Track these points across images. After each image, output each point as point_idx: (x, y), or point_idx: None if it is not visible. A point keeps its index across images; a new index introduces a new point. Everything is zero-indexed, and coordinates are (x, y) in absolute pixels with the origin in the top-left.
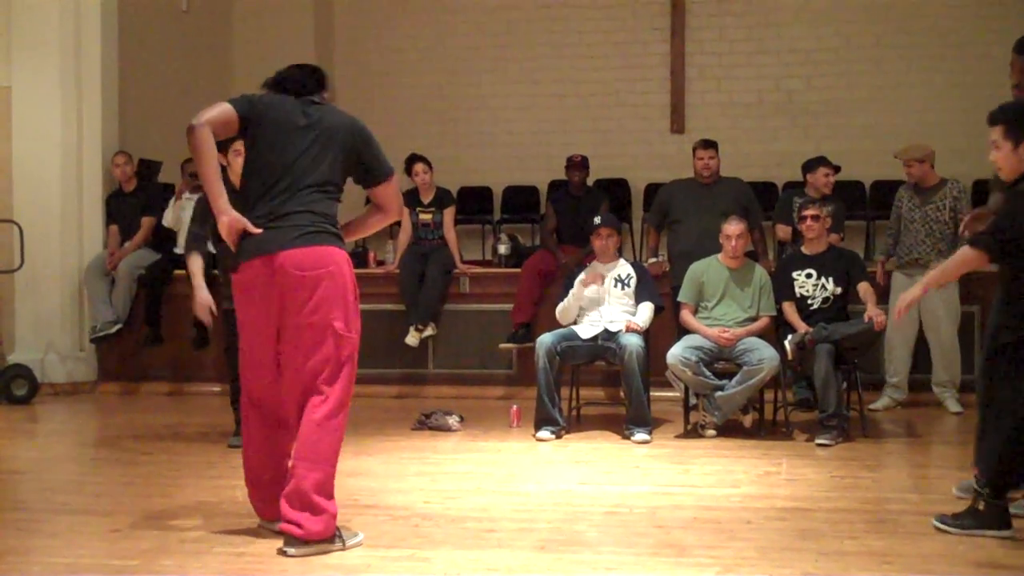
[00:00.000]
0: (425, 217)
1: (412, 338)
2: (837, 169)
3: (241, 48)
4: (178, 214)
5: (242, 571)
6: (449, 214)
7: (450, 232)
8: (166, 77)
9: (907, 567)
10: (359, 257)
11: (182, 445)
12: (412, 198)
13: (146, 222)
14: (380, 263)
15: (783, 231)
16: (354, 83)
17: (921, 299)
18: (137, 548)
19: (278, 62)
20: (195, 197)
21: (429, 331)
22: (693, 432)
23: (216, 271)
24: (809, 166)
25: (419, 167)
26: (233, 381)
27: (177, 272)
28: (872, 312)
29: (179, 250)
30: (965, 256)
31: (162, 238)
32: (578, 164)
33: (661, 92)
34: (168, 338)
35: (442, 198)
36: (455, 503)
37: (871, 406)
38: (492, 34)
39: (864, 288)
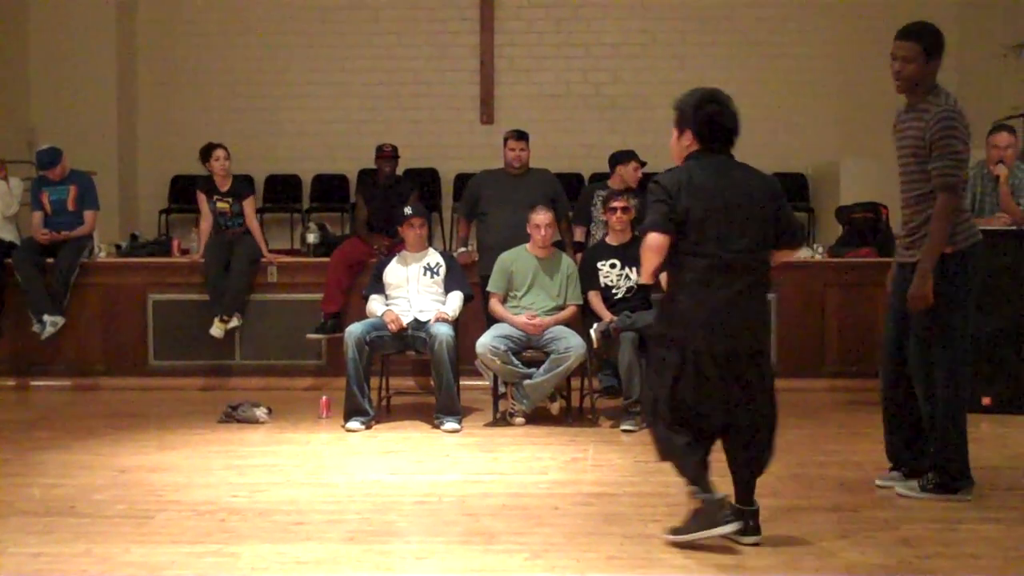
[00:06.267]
0: (222, 206)
1: (217, 329)
2: (644, 164)
3: (38, 33)
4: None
5: (39, 572)
6: (249, 204)
7: (252, 221)
8: None
9: (707, 547)
10: (162, 245)
11: None
12: (209, 185)
13: None
14: (184, 252)
15: (579, 232)
16: (160, 68)
17: None
18: None
19: (78, 47)
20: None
21: (235, 322)
22: (502, 420)
23: None
24: (620, 158)
25: (218, 153)
26: None
27: None
28: None
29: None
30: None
31: None
32: (388, 155)
33: (471, 83)
34: None
35: (239, 187)
36: (263, 496)
37: None
38: (302, 21)
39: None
